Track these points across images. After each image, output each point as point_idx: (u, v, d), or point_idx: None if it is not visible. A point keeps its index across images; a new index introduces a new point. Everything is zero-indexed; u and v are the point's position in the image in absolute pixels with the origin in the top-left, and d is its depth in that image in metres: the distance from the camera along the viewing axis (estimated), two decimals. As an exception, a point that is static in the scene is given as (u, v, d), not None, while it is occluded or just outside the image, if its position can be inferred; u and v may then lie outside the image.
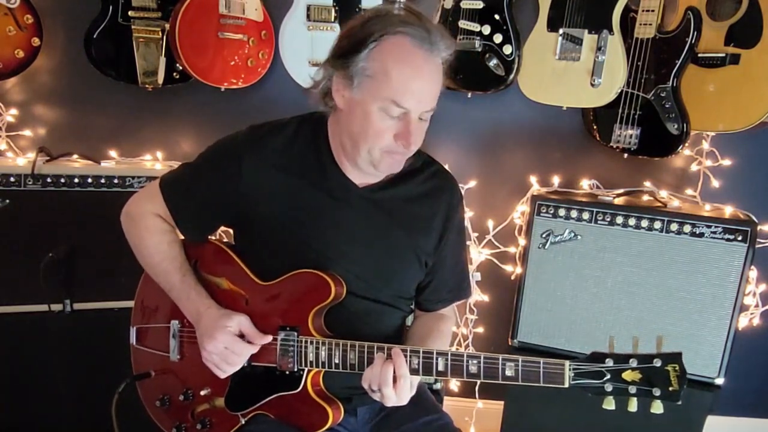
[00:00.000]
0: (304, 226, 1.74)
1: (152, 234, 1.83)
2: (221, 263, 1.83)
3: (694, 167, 2.91)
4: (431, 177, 1.85)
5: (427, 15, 1.57)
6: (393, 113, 1.57)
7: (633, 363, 1.39)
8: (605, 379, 1.41)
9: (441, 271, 1.89)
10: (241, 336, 1.70)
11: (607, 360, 1.41)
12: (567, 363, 1.43)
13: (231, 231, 1.92)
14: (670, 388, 1.37)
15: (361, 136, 1.62)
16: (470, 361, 1.49)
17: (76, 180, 2.53)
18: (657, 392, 1.37)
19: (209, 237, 1.90)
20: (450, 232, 1.86)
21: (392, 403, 1.56)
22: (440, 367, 1.51)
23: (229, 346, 1.67)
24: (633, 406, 1.41)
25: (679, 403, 1.36)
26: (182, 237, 1.88)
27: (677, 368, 1.36)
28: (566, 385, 1.43)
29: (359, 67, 1.57)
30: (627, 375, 1.39)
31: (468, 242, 3.00)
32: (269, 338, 1.69)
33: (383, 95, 1.56)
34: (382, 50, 1.55)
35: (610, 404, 1.42)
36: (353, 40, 1.58)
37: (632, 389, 1.39)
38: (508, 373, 1.48)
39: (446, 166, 1.93)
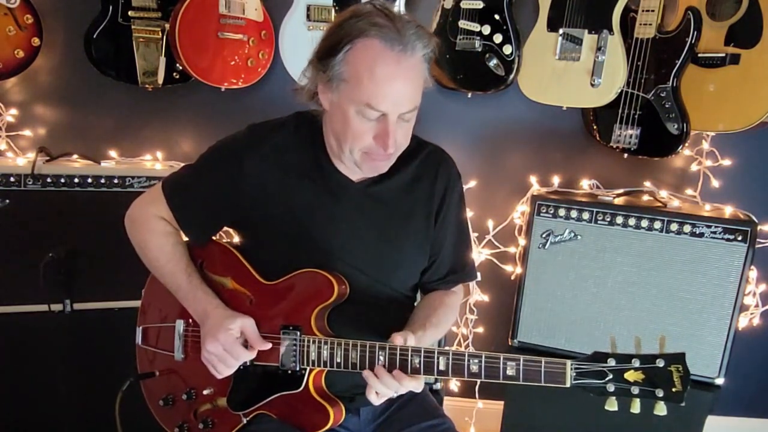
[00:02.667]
0: (304, 224, 1.74)
1: (156, 237, 1.84)
2: (226, 263, 1.83)
3: (694, 167, 2.91)
4: (426, 158, 1.85)
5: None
6: (370, 116, 1.57)
7: (635, 363, 1.38)
8: (607, 379, 1.40)
9: (441, 252, 1.89)
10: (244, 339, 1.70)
11: (609, 360, 1.40)
12: (569, 362, 1.42)
13: (236, 231, 1.92)
14: (674, 389, 1.36)
15: (342, 136, 1.63)
16: (471, 361, 1.49)
17: (76, 180, 2.53)
18: (660, 393, 1.36)
19: (213, 237, 1.90)
20: (448, 211, 1.86)
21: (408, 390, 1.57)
22: (441, 367, 1.51)
23: (228, 348, 1.67)
24: (636, 407, 1.40)
25: (683, 404, 1.36)
26: (186, 239, 1.88)
27: (681, 369, 1.35)
28: (568, 385, 1.42)
29: (336, 71, 1.57)
30: (629, 375, 1.38)
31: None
32: (269, 345, 1.69)
33: (357, 99, 1.55)
34: (355, 54, 1.54)
35: (612, 405, 1.41)
36: (330, 43, 1.58)
37: (635, 390, 1.38)
38: (510, 372, 1.47)
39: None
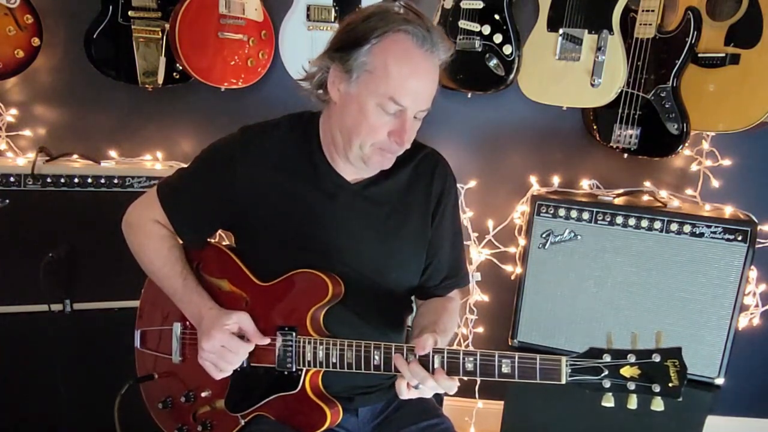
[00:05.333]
0: (299, 225, 1.74)
1: (152, 240, 1.84)
2: (222, 265, 1.83)
3: (694, 167, 2.91)
4: (421, 162, 1.84)
5: (427, 15, 1.59)
6: (390, 110, 1.58)
7: (631, 358, 1.37)
8: (603, 375, 1.39)
9: (437, 257, 1.88)
10: (241, 336, 1.70)
11: (604, 355, 1.40)
12: (564, 359, 1.42)
13: (231, 233, 1.92)
14: (670, 384, 1.35)
15: (354, 130, 1.62)
16: (467, 359, 1.49)
17: (76, 180, 2.53)
18: (656, 388, 1.36)
19: (209, 240, 1.90)
20: (444, 214, 1.86)
21: (437, 391, 1.54)
22: (437, 365, 1.50)
23: (226, 344, 1.66)
24: (633, 403, 1.39)
25: (680, 399, 1.35)
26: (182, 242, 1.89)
27: (677, 363, 1.34)
28: (563, 382, 1.42)
29: (359, 62, 1.57)
30: (625, 371, 1.38)
31: (468, 242, 3.00)
32: (267, 339, 1.69)
33: (381, 91, 1.56)
34: (384, 47, 1.55)
35: (609, 401, 1.40)
36: (354, 35, 1.58)
37: (631, 385, 1.38)
38: (505, 370, 1.47)
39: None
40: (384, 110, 1.58)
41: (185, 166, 1.88)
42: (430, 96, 1.63)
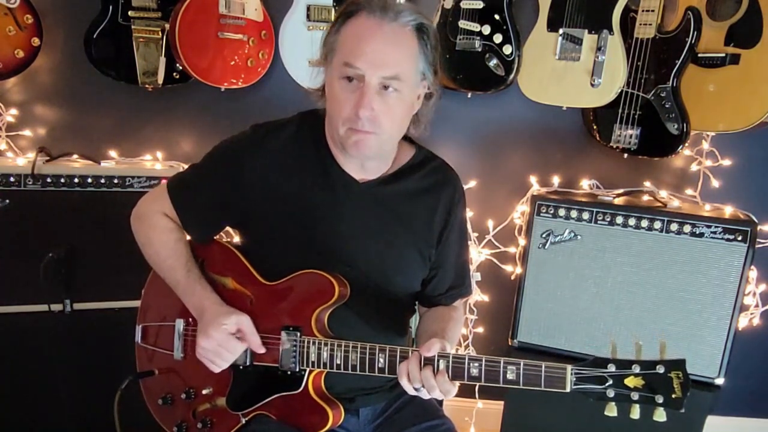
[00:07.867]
0: (306, 224, 1.74)
1: (158, 232, 1.84)
2: (227, 263, 1.83)
3: (694, 167, 2.91)
4: (432, 172, 1.85)
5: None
6: (349, 75, 1.59)
7: (636, 369, 1.37)
8: (607, 384, 1.39)
9: (443, 267, 1.89)
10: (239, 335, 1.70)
11: (609, 365, 1.39)
12: (569, 368, 1.41)
13: (238, 231, 1.92)
14: (673, 396, 1.35)
15: (333, 113, 1.65)
16: (471, 364, 1.49)
17: (76, 180, 2.53)
18: (660, 399, 1.36)
19: (215, 237, 1.90)
20: (452, 229, 1.86)
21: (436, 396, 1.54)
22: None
23: (222, 344, 1.67)
24: (635, 413, 1.39)
25: (682, 411, 1.35)
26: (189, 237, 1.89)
27: (681, 375, 1.34)
28: (568, 390, 1.41)
29: (328, 47, 1.65)
30: (629, 381, 1.37)
31: (468, 242, 3.00)
32: (263, 350, 1.70)
33: (339, 62, 1.60)
34: (345, 28, 1.62)
35: (612, 411, 1.40)
36: (329, 28, 1.67)
37: (634, 396, 1.37)
38: (510, 376, 1.46)
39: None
40: (347, 81, 1.60)
41: (196, 162, 1.89)
42: (393, 60, 1.59)
